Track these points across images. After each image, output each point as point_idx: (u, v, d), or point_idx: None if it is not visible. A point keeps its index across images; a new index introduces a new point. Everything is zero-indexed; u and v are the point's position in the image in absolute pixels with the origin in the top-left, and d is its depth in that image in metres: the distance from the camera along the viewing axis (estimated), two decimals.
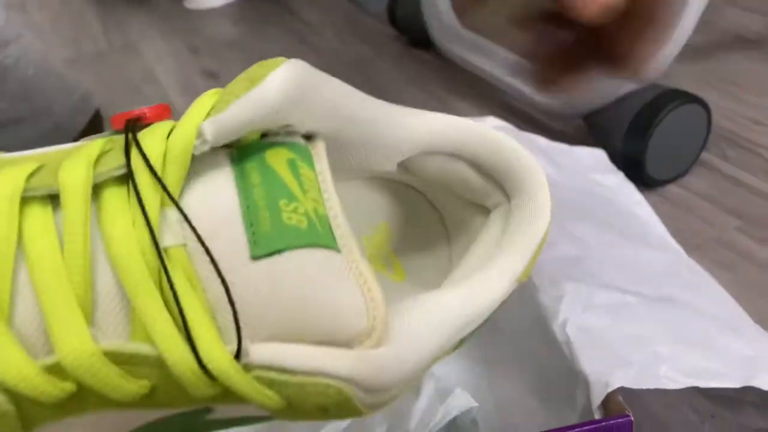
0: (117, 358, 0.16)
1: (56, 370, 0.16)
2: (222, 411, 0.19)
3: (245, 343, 0.17)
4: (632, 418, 0.30)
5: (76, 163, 0.18)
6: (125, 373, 0.17)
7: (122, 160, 0.18)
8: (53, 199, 0.18)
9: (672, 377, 0.32)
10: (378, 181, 0.27)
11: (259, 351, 0.17)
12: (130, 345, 0.16)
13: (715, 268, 0.47)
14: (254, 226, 0.17)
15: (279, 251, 0.17)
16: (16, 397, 0.16)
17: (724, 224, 0.58)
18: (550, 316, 0.35)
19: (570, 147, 0.58)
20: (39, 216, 0.17)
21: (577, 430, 0.29)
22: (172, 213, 0.17)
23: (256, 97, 0.18)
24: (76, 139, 0.67)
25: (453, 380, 0.35)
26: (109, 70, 1.12)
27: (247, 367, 0.17)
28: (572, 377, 0.34)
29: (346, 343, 0.18)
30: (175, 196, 0.17)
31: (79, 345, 0.16)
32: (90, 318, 0.17)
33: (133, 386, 0.17)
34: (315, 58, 1.02)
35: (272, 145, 0.19)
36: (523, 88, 0.74)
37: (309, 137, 0.21)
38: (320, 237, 0.18)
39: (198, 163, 0.18)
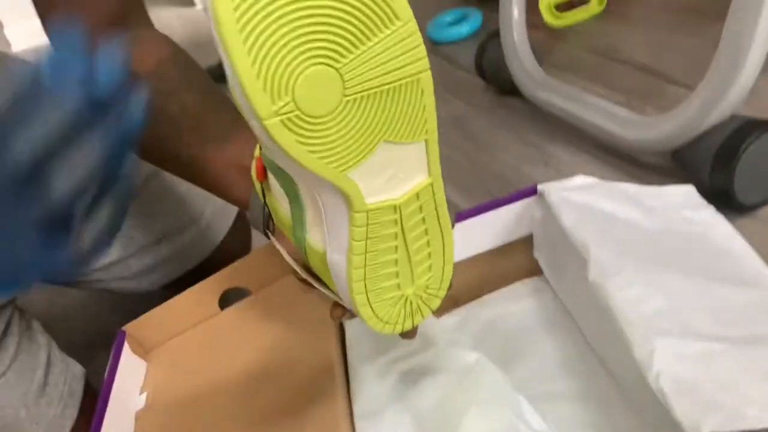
0: None
1: None
2: None
3: None
4: None
5: None
6: None
7: None
8: None
9: (762, 417, 0.37)
10: None
11: None
12: None
13: None
14: None
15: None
16: None
17: None
18: (645, 368, 0.41)
19: (659, 188, 0.61)
20: None
21: None
22: None
23: None
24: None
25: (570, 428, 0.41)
26: None
27: None
28: (670, 421, 0.39)
29: None
30: None
31: None
32: None
33: None
34: None
35: None
36: (613, 128, 0.78)
37: None
38: None
39: None
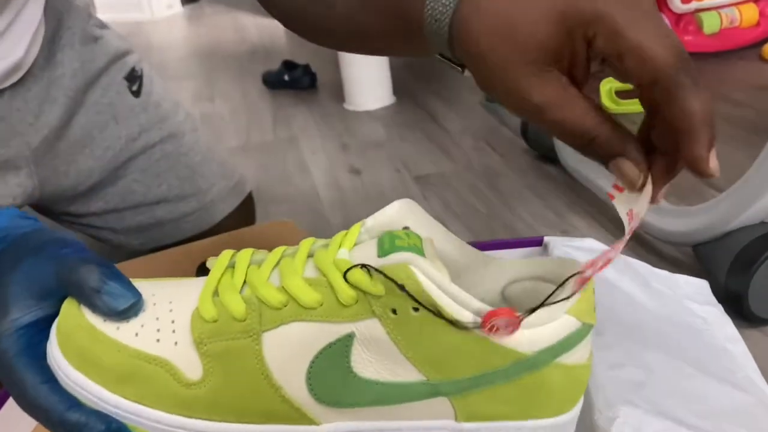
0: None
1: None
2: None
3: None
4: None
5: None
6: None
7: None
8: None
9: None
10: None
11: None
12: None
13: None
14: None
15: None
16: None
17: None
18: None
19: (672, 275, 0.58)
20: None
21: None
22: None
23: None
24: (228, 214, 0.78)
25: None
26: (270, 159, 1.27)
27: None
28: None
29: None
30: None
31: None
32: None
33: None
34: (449, 164, 1.09)
35: None
36: None
37: None
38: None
39: None
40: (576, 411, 0.31)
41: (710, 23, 1.43)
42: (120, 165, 0.72)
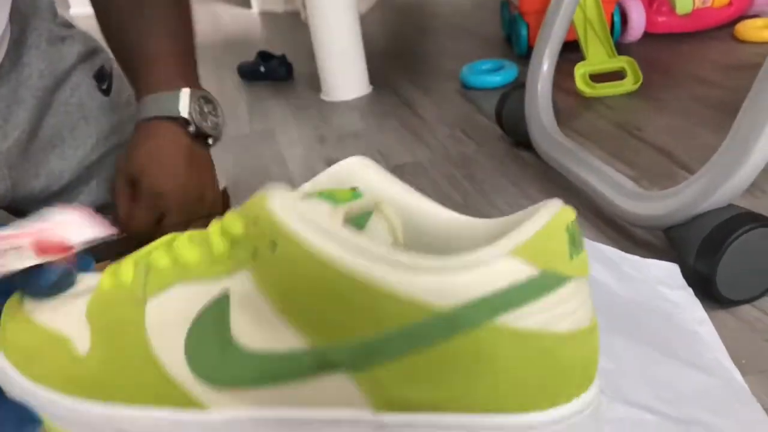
0: None
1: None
2: None
3: None
4: None
5: None
6: None
7: None
8: None
9: None
10: None
11: None
12: None
13: None
14: None
15: None
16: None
17: None
18: None
19: (643, 259, 0.59)
20: None
21: None
22: None
23: None
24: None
25: None
26: (246, 152, 1.26)
27: None
28: None
29: None
30: None
31: None
32: None
33: None
34: (425, 153, 1.10)
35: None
36: (613, 196, 0.76)
37: None
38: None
39: None
40: (565, 411, 0.22)
41: (683, 4, 1.43)
42: (92, 164, 0.71)
